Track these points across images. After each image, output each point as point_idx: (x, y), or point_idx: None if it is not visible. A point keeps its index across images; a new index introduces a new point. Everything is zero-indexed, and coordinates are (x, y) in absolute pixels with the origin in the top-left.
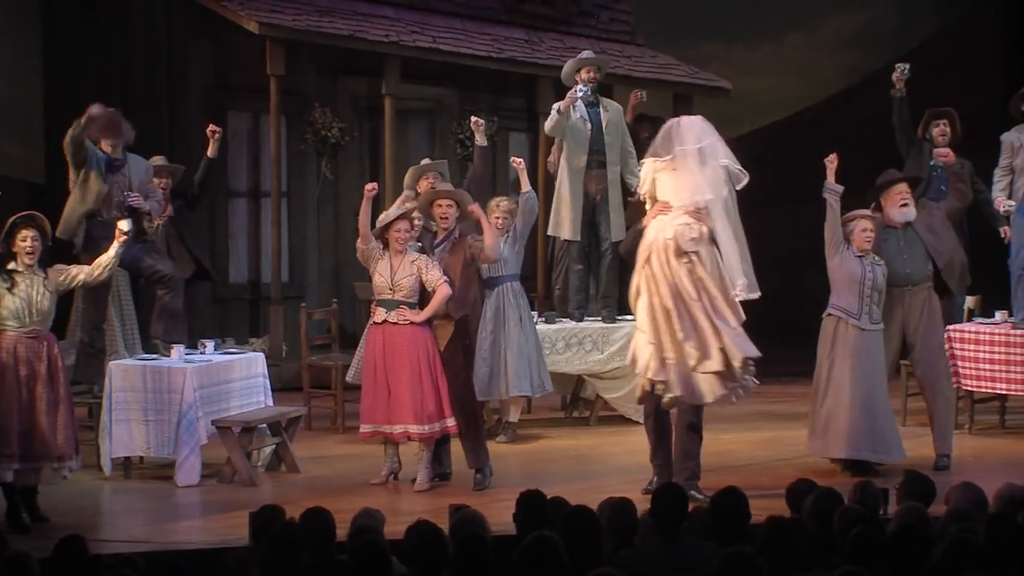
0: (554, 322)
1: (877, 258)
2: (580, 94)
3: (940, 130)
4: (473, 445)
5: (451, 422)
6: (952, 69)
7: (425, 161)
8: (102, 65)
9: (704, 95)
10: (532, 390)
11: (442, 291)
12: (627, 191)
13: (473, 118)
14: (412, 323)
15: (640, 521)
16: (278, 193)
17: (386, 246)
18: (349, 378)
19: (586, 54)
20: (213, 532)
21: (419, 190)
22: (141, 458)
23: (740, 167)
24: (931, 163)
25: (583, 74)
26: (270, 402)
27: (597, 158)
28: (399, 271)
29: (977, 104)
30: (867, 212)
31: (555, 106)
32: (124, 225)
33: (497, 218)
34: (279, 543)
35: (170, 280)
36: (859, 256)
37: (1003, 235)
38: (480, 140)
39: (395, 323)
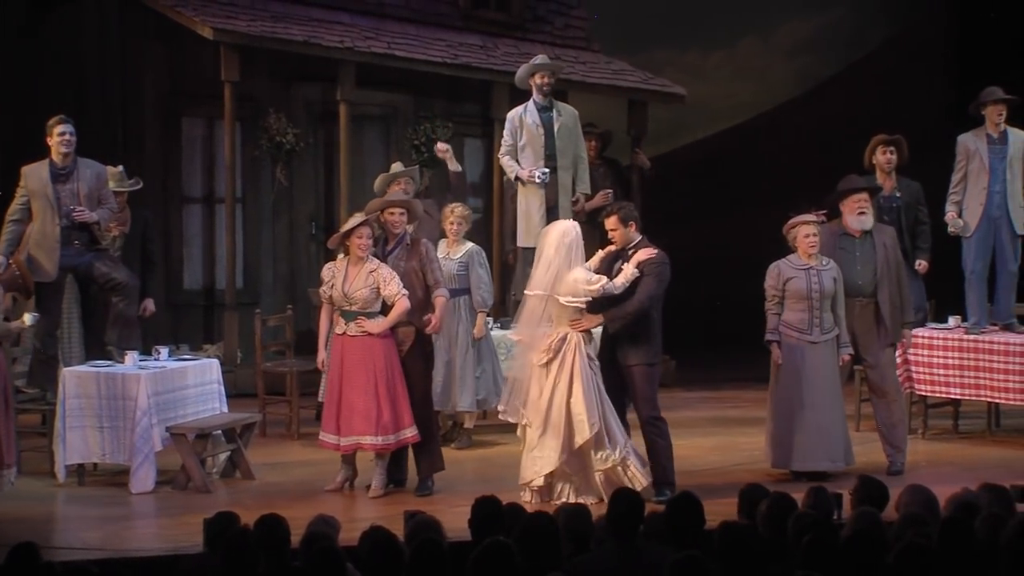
0: (509, 328)
1: (824, 260)
2: (539, 180)
3: (887, 157)
4: (428, 452)
5: (410, 432)
6: (903, 75)
7: (396, 166)
8: (55, 72)
9: (658, 101)
10: (479, 405)
11: (401, 305)
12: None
13: (439, 145)
14: (369, 334)
15: (596, 526)
16: (232, 199)
17: (347, 253)
18: (321, 397)
19: (539, 59)
20: (167, 539)
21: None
22: (95, 465)
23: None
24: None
25: (537, 79)
26: (225, 408)
27: (550, 164)
28: (355, 282)
29: (928, 109)
30: (810, 217)
31: (506, 139)
32: (28, 319)
33: (452, 223)
34: (233, 550)
35: (124, 287)
36: (803, 268)
37: (918, 267)
38: (453, 167)
39: (353, 335)
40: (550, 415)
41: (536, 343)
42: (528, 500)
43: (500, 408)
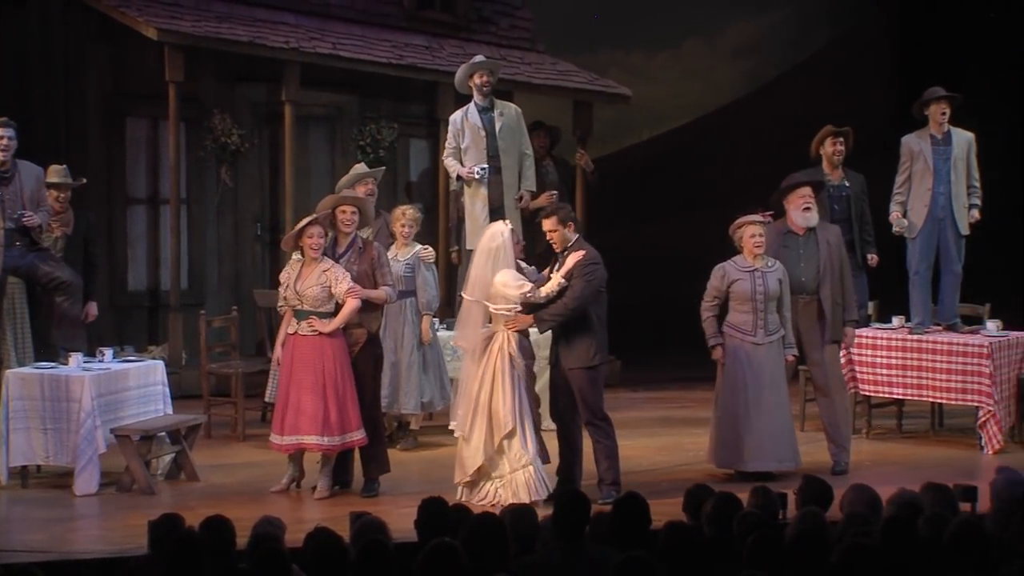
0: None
1: (770, 262)
2: (478, 176)
3: (836, 148)
4: (375, 454)
5: (356, 435)
6: (849, 75)
7: (360, 167)
8: None
9: (604, 102)
10: (425, 407)
11: (350, 304)
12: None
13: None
14: (320, 333)
15: (542, 527)
16: (177, 200)
17: (303, 254)
18: (268, 397)
19: (476, 59)
20: (112, 541)
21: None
22: (38, 467)
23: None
24: (828, 183)
25: (476, 79)
26: (169, 410)
27: (493, 164)
28: (307, 280)
29: (871, 109)
30: (756, 217)
31: (451, 144)
32: None
33: (403, 226)
34: (178, 552)
35: (68, 287)
36: (748, 270)
37: (870, 261)
38: None
39: (304, 335)
40: (476, 413)
41: (475, 345)
42: (467, 500)
43: (452, 422)
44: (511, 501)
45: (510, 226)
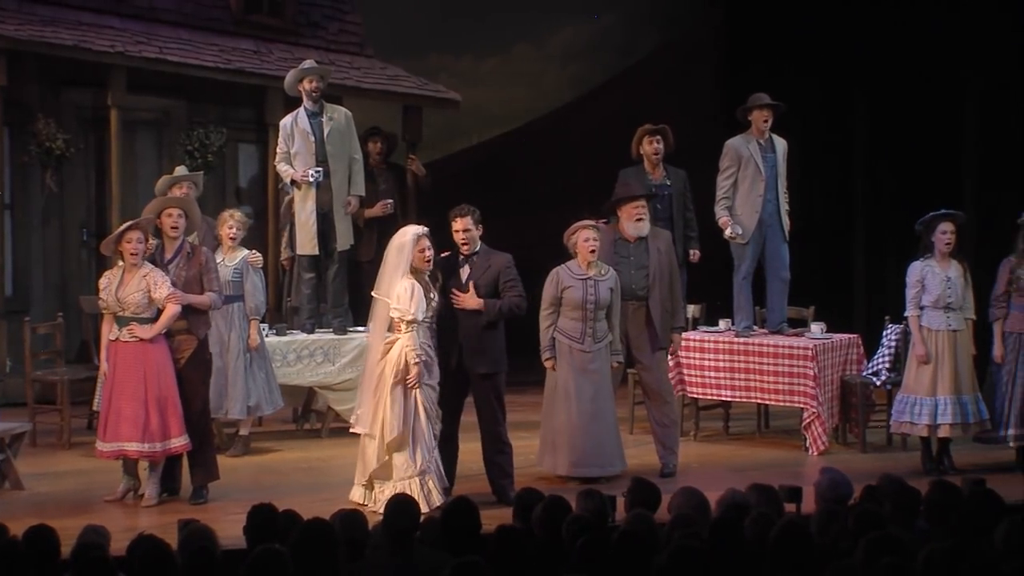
0: (285, 334)
1: (604, 269)
2: (312, 180)
3: (654, 147)
4: (202, 461)
5: (178, 442)
6: (673, 82)
7: (180, 170)
8: None
9: (433, 107)
10: (251, 411)
11: (170, 310)
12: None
13: None
14: (141, 340)
15: (372, 532)
16: (1, 206)
17: (123, 259)
18: (95, 407)
19: (307, 64)
20: None
21: None
22: None
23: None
24: (649, 182)
25: (306, 84)
26: None
27: (322, 168)
28: (128, 286)
29: (697, 115)
30: (589, 223)
31: (282, 152)
32: None
33: (230, 227)
34: (1, 562)
35: None
36: (581, 278)
37: (692, 257)
38: None
39: (126, 341)
40: (375, 418)
41: (378, 344)
42: (361, 503)
43: (352, 419)
44: None
45: (426, 230)
